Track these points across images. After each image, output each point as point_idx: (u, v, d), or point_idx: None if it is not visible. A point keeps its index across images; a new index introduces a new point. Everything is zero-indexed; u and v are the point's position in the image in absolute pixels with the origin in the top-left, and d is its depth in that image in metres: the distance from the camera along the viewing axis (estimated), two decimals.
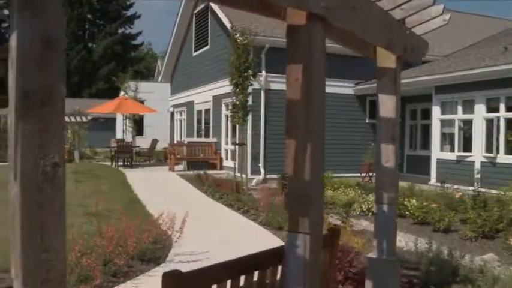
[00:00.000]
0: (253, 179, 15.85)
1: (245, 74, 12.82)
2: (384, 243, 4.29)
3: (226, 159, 18.47)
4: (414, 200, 10.22)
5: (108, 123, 37.88)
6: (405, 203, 10.27)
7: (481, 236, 8.20)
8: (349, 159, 17.59)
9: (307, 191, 2.81)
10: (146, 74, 57.76)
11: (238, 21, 15.24)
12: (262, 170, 16.29)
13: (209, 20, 19.89)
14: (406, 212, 10.24)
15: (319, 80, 2.86)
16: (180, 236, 6.96)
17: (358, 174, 17.20)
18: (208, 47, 20.13)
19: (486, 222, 8.20)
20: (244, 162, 15.20)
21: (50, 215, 1.71)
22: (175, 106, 25.41)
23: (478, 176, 13.13)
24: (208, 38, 20.01)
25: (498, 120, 12.89)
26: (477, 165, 13.42)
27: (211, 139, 19.30)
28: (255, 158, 16.32)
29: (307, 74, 2.77)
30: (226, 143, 18.56)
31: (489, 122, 13.27)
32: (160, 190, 13.41)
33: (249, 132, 15.82)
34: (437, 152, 14.92)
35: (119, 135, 31.92)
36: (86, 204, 10.55)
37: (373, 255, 4.38)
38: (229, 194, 12.43)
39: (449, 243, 7.82)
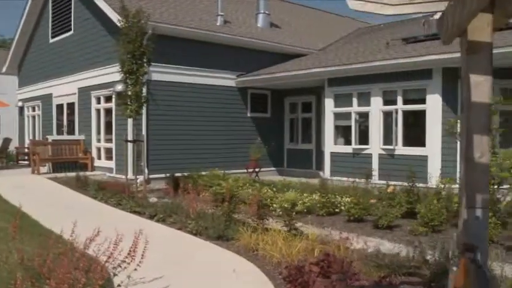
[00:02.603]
0: (136, 179, 14.25)
1: (139, 61, 11.29)
2: (477, 256, 3.47)
3: (99, 158, 16.51)
4: (345, 197, 9.76)
5: None
6: (336, 199, 9.82)
7: (431, 231, 7.92)
8: (234, 155, 16.81)
9: None
10: None
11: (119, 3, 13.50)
12: (145, 170, 14.72)
13: (72, 2, 17.60)
14: (336, 210, 9.74)
15: None
16: (123, 260, 5.38)
17: (245, 171, 16.48)
18: (71, 32, 17.81)
19: (435, 216, 7.93)
20: (132, 161, 13.56)
21: None
22: (25, 100, 22.28)
23: (377, 168, 13.20)
24: (72, 23, 17.71)
25: (396, 113, 13.02)
26: (375, 158, 13.46)
27: (78, 136, 17.11)
28: (135, 157, 14.70)
29: None
30: (99, 141, 16.58)
31: (386, 115, 13.37)
32: (42, 199, 11.25)
33: (129, 127, 14.15)
34: (331, 145, 14.73)
35: None
36: None
37: None
38: (125, 199, 10.87)
39: (408, 242, 7.39)
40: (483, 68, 3.42)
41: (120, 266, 4.90)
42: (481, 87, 3.42)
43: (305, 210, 9.48)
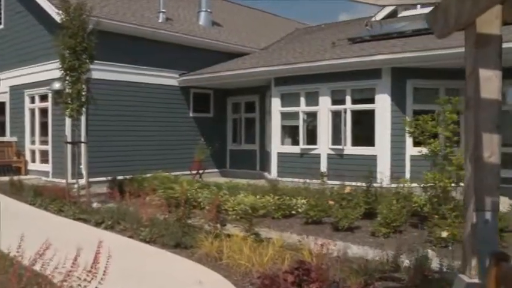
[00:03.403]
0: (78, 183, 13.43)
1: (81, 57, 10.57)
2: (487, 263, 3.25)
3: (34, 161, 15.48)
4: (300, 199, 9.52)
5: None
6: (291, 201, 9.56)
7: (392, 232, 7.79)
8: (177, 156, 16.23)
9: None
10: None
11: None
12: (84, 173, 13.86)
13: None
14: (292, 212, 9.48)
15: None
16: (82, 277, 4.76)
17: (188, 172, 15.96)
18: (1, 26, 16.63)
19: (397, 216, 7.82)
20: (71, 164, 12.78)
21: None
22: None
23: (325, 168, 13.03)
24: (2, 16, 16.54)
25: (345, 112, 12.93)
26: (323, 158, 13.31)
27: (10, 138, 15.99)
28: (74, 159, 13.85)
29: None
30: (33, 143, 15.55)
31: (335, 114, 13.25)
32: None
33: (67, 127, 13.32)
34: (277, 146, 14.47)
35: None
36: None
37: (469, 278, 3.30)
38: (67, 205, 10.14)
39: (373, 243, 7.23)
40: (492, 62, 3.22)
41: (80, 285, 4.34)
42: (490, 83, 3.22)
43: (260, 213, 9.14)
